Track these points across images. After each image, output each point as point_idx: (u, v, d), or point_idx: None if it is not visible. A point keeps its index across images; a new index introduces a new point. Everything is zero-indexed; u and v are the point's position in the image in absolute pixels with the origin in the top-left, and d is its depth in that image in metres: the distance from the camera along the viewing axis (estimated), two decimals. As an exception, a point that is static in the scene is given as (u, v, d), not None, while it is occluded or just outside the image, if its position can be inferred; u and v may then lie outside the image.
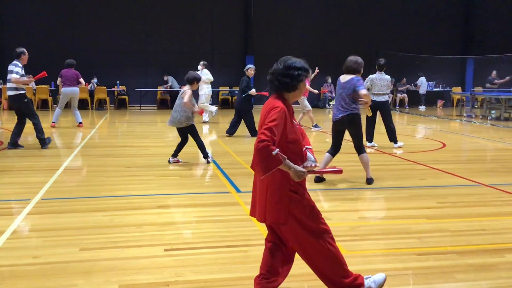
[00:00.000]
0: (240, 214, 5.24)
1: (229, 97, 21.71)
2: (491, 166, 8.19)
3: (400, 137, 10.42)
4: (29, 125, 9.61)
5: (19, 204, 5.48)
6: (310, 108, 13.23)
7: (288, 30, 22.45)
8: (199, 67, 14.68)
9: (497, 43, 23.06)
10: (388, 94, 10.26)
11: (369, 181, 6.64)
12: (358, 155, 6.70)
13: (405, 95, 22.48)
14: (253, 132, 11.51)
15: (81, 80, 13.29)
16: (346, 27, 23.07)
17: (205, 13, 21.65)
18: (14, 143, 9.21)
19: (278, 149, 2.80)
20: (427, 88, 22.62)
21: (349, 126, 6.63)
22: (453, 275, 3.59)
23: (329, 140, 11.35)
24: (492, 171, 7.66)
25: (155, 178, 6.97)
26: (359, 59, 6.87)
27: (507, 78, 19.80)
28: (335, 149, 6.88)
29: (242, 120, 11.68)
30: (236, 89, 20.96)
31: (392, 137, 9.93)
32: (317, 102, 21.59)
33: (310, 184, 6.96)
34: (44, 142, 9.34)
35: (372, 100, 9.31)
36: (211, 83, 15.05)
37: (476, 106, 20.40)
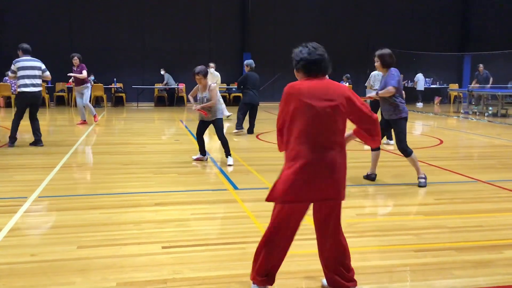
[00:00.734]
0: (237, 211, 5.23)
1: (226, 94, 21.69)
2: (488, 162, 8.20)
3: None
4: (25, 123, 9.59)
5: (16, 202, 5.47)
6: None
7: (285, 27, 22.43)
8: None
9: (494, 40, 23.09)
10: None
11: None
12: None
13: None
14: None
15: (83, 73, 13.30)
16: (343, 24, 23.07)
17: (202, 10, 21.61)
18: (39, 140, 9.35)
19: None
20: (425, 85, 22.64)
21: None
22: (450, 272, 3.59)
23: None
24: (489, 168, 7.68)
25: (153, 176, 6.96)
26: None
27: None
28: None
29: (247, 116, 11.85)
30: (233, 86, 20.97)
31: (390, 134, 9.94)
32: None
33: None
34: (40, 141, 9.34)
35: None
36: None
37: (473, 103, 20.44)
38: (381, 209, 5.53)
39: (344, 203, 5.62)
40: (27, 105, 9.26)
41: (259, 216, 4.97)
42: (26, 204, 5.34)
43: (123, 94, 20.83)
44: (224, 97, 21.57)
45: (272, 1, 22.35)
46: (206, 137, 8.18)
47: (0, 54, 18.80)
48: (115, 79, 20.30)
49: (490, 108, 16.93)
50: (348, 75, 22.00)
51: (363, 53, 23.68)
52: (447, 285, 3.33)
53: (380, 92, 6.32)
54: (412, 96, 22.14)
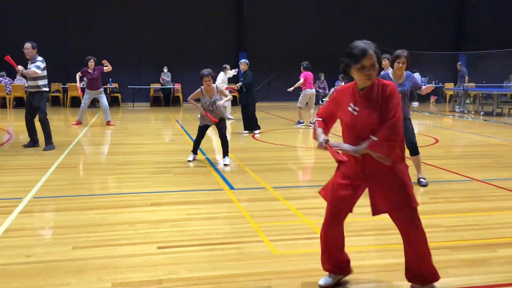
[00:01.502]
0: (233, 211, 5.23)
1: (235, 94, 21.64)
2: (484, 161, 8.22)
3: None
4: (21, 123, 9.55)
5: (11, 202, 5.44)
6: (301, 105, 13.37)
7: (281, 27, 22.44)
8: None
9: (489, 39, 23.15)
10: None
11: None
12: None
13: None
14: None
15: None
16: (339, 24, 23.07)
17: (198, 10, 21.58)
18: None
19: (318, 119, 3.11)
20: (421, 84, 22.64)
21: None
22: (446, 270, 3.59)
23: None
24: (485, 166, 7.69)
25: (148, 176, 6.95)
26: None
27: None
28: None
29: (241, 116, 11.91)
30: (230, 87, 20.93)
31: None
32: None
33: (300, 181, 6.97)
34: (36, 143, 9.29)
35: None
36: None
37: (468, 102, 20.49)
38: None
39: (340, 203, 5.64)
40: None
41: (255, 216, 4.97)
42: (21, 205, 5.31)
43: (119, 94, 20.78)
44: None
45: (268, 0, 22.34)
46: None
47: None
48: (110, 79, 20.24)
49: (482, 112, 16.94)
50: (338, 81, 22.05)
51: (359, 52, 23.72)
52: (443, 284, 3.33)
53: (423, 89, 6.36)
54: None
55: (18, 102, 19.11)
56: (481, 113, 16.88)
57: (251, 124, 11.74)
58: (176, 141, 10.57)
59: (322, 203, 5.50)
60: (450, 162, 7.96)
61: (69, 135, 11.21)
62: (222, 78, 14.30)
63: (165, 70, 20.62)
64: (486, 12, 23.96)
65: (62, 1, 20.22)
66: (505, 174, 7.08)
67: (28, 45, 8.94)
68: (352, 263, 3.45)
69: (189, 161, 7.92)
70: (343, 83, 21.72)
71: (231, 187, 6.24)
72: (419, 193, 5.94)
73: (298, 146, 10.02)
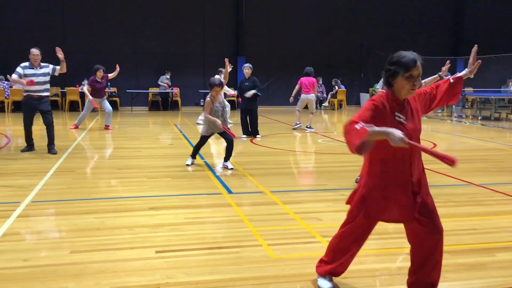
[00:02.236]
0: (231, 215, 5.22)
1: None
2: (482, 165, 8.23)
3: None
4: (20, 128, 9.54)
5: (9, 206, 5.43)
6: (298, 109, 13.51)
7: (279, 31, 22.49)
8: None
9: (486, 43, 23.20)
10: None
11: None
12: None
13: None
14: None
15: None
16: (337, 28, 23.15)
17: (196, 14, 21.63)
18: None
19: (362, 123, 2.80)
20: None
21: None
22: (444, 275, 3.59)
23: (321, 141, 11.41)
24: (483, 171, 7.71)
25: (147, 180, 6.94)
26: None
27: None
28: None
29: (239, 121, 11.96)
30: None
31: None
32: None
33: (298, 185, 6.98)
34: (32, 147, 9.29)
35: None
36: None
37: (466, 107, 20.54)
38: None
39: (338, 207, 5.67)
40: None
41: (253, 220, 4.97)
42: (19, 209, 5.31)
43: (117, 99, 20.78)
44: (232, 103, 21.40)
45: (266, 5, 22.40)
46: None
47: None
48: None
49: (480, 117, 16.99)
50: (336, 79, 22.10)
51: (357, 57, 23.79)
52: (441, 288, 3.34)
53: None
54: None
55: (17, 106, 19.08)
56: (479, 118, 16.91)
57: (256, 128, 11.80)
58: (174, 145, 10.57)
59: (318, 208, 5.53)
60: (448, 167, 7.93)
61: (67, 139, 11.20)
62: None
63: (168, 75, 20.60)
64: (483, 17, 24.05)
65: (60, 5, 20.24)
66: (503, 179, 7.10)
67: (38, 52, 8.96)
68: (350, 267, 3.45)
69: (187, 165, 7.92)
70: (337, 87, 21.79)
71: (230, 191, 6.24)
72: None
73: (296, 151, 10.03)
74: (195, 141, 8.41)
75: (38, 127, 9.49)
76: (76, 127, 13.20)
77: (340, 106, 22.13)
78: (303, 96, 13.34)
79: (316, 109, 16.21)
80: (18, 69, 8.88)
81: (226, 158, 7.80)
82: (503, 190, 6.31)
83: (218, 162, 8.29)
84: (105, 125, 13.28)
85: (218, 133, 7.82)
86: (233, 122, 15.13)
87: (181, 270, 3.70)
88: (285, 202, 5.69)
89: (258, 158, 8.99)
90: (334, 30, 23.11)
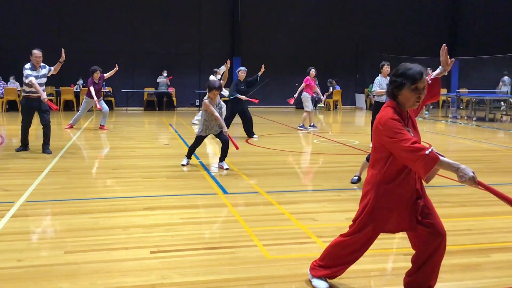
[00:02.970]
0: (227, 215, 5.22)
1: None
2: (476, 166, 8.25)
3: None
4: (16, 127, 9.50)
5: (3, 206, 5.40)
6: (310, 109, 13.51)
7: (275, 32, 22.49)
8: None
9: (482, 45, 23.31)
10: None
11: None
12: None
13: None
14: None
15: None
16: (333, 29, 23.16)
17: (192, 15, 21.60)
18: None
19: (433, 147, 2.79)
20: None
21: None
22: (439, 275, 3.58)
23: (316, 141, 11.42)
24: (477, 172, 7.65)
25: (142, 180, 6.93)
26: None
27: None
28: None
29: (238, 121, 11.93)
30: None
31: None
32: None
33: (293, 185, 6.97)
34: (26, 147, 9.26)
35: (380, 100, 9.54)
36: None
37: (461, 107, 20.60)
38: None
39: (333, 207, 5.68)
40: None
41: (249, 221, 4.96)
42: (13, 209, 5.28)
43: (112, 98, 20.72)
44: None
45: (263, 6, 22.39)
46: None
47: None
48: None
49: (474, 118, 17.05)
50: (331, 79, 22.10)
51: (353, 57, 23.82)
52: (436, 289, 3.34)
53: None
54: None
55: (11, 106, 19.01)
56: (474, 119, 16.97)
57: (252, 128, 11.80)
58: (170, 145, 10.55)
59: (313, 208, 5.53)
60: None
61: (62, 138, 11.16)
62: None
63: (165, 74, 20.53)
64: (478, 18, 24.13)
65: (56, 5, 20.18)
66: (497, 179, 7.12)
67: (40, 53, 8.92)
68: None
69: (182, 165, 7.91)
70: (334, 81, 21.80)
71: (225, 192, 6.24)
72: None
73: (292, 151, 10.03)
74: (190, 141, 8.41)
75: (33, 127, 9.46)
76: (71, 127, 13.16)
77: (335, 106, 22.15)
78: (309, 96, 13.47)
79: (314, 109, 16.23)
80: (30, 72, 8.79)
81: (222, 158, 7.80)
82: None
83: (214, 162, 8.28)
84: (100, 125, 13.24)
85: (214, 134, 7.81)
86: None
87: (176, 270, 3.69)
88: (281, 203, 5.69)
89: (254, 158, 8.99)
90: (330, 31, 23.12)
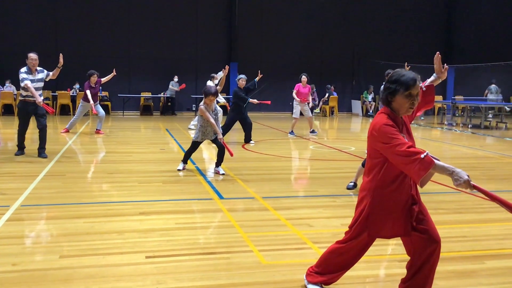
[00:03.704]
0: (222, 220, 5.21)
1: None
2: (471, 173, 8.23)
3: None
4: (12, 131, 9.47)
5: (-2, 210, 5.38)
6: (297, 116, 13.51)
7: (272, 37, 22.55)
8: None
9: (477, 52, 23.44)
10: None
11: None
12: None
13: (373, 102, 22.57)
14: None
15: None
16: (329, 35, 23.26)
17: (189, 20, 21.64)
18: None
19: (426, 152, 2.80)
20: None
21: None
22: (435, 282, 3.59)
23: (313, 147, 11.43)
24: (473, 179, 7.65)
25: (138, 185, 6.91)
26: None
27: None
28: None
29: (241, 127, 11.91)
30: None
31: None
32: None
33: (289, 191, 6.97)
34: (23, 151, 9.24)
35: None
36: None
37: (457, 115, 20.66)
38: (366, 219, 5.54)
39: (329, 213, 5.68)
40: None
41: (244, 226, 4.96)
42: (8, 213, 5.26)
43: (109, 103, 20.72)
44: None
45: (259, 11, 22.47)
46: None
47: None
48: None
49: (470, 125, 17.13)
50: (329, 85, 22.14)
51: (349, 64, 23.90)
52: (431, 295, 3.35)
53: None
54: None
55: (7, 110, 18.97)
56: (469, 126, 17.04)
57: (250, 134, 11.81)
58: (165, 150, 10.55)
59: (309, 214, 5.53)
60: (438, 174, 7.99)
61: (58, 143, 11.13)
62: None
63: (175, 79, 20.51)
64: (473, 26, 24.27)
65: (53, 9, 20.19)
66: (492, 186, 7.14)
67: (36, 56, 8.90)
68: (341, 274, 3.45)
69: (178, 170, 7.90)
70: (332, 87, 21.86)
71: (221, 197, 6.23)
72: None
73: (288, 157, 10.04)
74: (186, 146, 8.41)
75: (29, 131, 9.43)
76: (67, 131, 13.14)
77: (331, 112, 22.20)
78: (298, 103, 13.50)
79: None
80: (26, 76, 8.77)
81: (218, 164, 7.80)
82: (492, 198, 6.34)
83: (210, 168, 8.28)
84: (96, 129, 13.23)
85: (210, 139, 7.81)
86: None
87: (171, 275, 3.69)
88: (276, 208, 5.69)
89: (250, 163, 8.99)
90: (326, 37, 23.21)
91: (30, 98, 8.84)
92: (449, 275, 3.79)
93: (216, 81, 14.19)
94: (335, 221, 5.27)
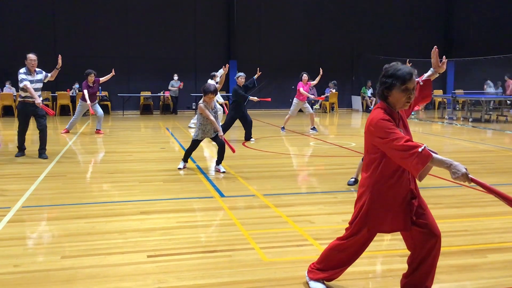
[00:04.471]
0: (224, 218, 5.22)
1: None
2: (472, 167, 8.27)
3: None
4: (12, 132, 9.47)
5: (-1, 212, 5.39)
6: (291, 114, 13.55)
7: (271, 35, 22.51)
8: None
9: (477, 45, 23.39)
10: None
11: None
12: None
13: (373, 97, 22.57)
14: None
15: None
16: (329, 32, 23.21)
17: (187, 18, 21.60)
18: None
19: (423, 145, 2.79)
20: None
21: None
22: (436, 276, 3.59)
23: (313, 143, 11.43)
24: (473, 173, 7.68)
25: (138, 184, 6.91)
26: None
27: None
28: None
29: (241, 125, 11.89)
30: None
31: None
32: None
33: (290, 188, 6.98)
34: (23, 152, 9.24)
35: None
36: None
37: (457, 109, 20.66)
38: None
39: (330, 209, 5.68)
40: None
41: (246, 224, 4.96)
42: (9, 214, 5.27)
43: (108, 103, 20.71)
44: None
45: (258, 8, 22.43)
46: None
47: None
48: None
49: (470, 119, 17.12)
50: (335, 81, 22.08)
51: (349, 60, 23.87)
52: (433, 290, 3.35)
53: None
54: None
55: (6, 111, 18.97)
56: (470, 120, 17.02)
57: (250, 132, 11.80)
58: (166, 149, 10.55)
59: (310, 210, 5.53)
60: (439, 168, 7.98)
61: (58, 143, 11.14)
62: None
63: (175, 77, 20.48)
64: (473, 20, 24.22)
65: (51, 9, 20.15)
66: (493, 180, 7.13)
67: (35, 57, 8.89)
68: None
69: (179, 169, 7.90)
70: (333, 90, 21.83)
71: (222, 195, 6.23)
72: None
73: (288, 154, 10.04)
74: (187, 145, 8.40)
75: (29, 132, 9.44)
76: (67, 131, 13.14)
77: (332, 109, 22.18)
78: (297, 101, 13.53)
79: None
80: (25, 76, 8.77)
81: (218, 162, 7.79)
82: (494, 192, 6.34)
83: (210, 166, 8.28)
84: (96, 129, 13.23)
85: (210, 138, 7.81)
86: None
87: (173, 274, 3.69)
88: (277, 205, 5.69)
89: (250, 161, 8.99)
90: (325, 33, 23.17)
91: (30, 99, 8.84)
92: (451, 269, 3.79)
93: (218, 79, 14.12)
94: (336, 217, 5.26)
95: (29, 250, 4.26)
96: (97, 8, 20.58)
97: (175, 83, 20.49)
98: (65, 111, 19.37)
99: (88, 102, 12.76)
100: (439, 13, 24.72)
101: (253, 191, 6.41)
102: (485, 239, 4.54)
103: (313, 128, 13.69)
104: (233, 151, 7.70)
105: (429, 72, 3.40)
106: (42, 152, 9.02)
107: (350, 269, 3.51)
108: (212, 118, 7.54)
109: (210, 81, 13.93)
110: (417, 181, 3.06)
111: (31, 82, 8.79)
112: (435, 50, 3.40)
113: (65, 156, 9.37)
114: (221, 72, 13.88)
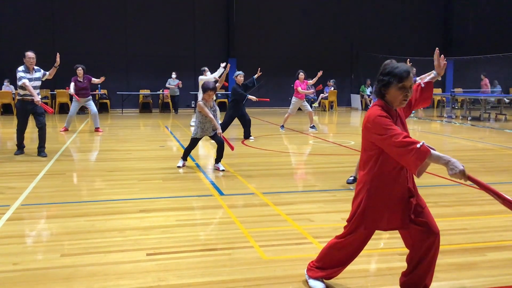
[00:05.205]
0: (223, 217, 5.22)
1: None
2: (471, 166, 8.28)
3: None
4: (11, 130, 9.46)
5: (-2, 210, 5.39)
6: (290, 112, 13.56)
7: (270, 33, 22.52)
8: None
9: (475, 44, 23.40)
10: None
11: None
12: None
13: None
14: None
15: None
16: (327, 30, 23.21)
17: (186, 16, 21.59)
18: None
19: (421, 142, 2.79)
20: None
21: None
22: (435, 274, 3.60)
23: (312, 142, 11.43)
24: (472, 171, 7.75)
25: (138, 182, 6.91)
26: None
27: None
28: None
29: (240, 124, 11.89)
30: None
31: None
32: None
33: (290, 186, 6.98)
34: (22, 150, 9.23)
35: None
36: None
37: (456, 107, 20.67)
38: (366, 213, 5.54)
39: (329, 208, 5.69)
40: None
41: (245, 222, 4.96)
42: (8, 212, 5.26)
43: (108, 101, 20.71)
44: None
45: (257, 6, 22.42)
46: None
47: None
48: (99, 86, 20.17)
49: (469, 118, 17.13)
50: (334, 80, 22.08)
51: (348, 58, 23.86)
52: (432, 288, 3.35)
53: None
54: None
55: (5, 109, 18.96)
56: (469, 118, 17.03)
57: (249, 130, 11.79)
58: (165, 147, 10.54)
59: (309, 209, 5.53)
60: (438, 167, 7.98)
61: (57, 141, 11.13)
62: (208, 79, 14.14)
63: (174, 75, 20.42)
64: (472, 19, 24.22)
65: (50, 7, 20.13)
66: (492, 179, 7.14)
67: (34, 55, 8.88)
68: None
69: (178, 167, 7.90)
70: (332, 88, 21.84)
71: (221, 193, 6.23)
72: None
73: (287, 152, 10.04)
74: (186, 143, 8.40)
75: (28, 130, 9.43)
76: (66, 129, 13.13)
77: (331, 107, 22.19)
78: (296, 100, 13.51)
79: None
80: (23, 74, 8.75)
81: (217, 160, 7.80)
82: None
83: (209, 164, 8.28)
84: (95, 128, 13.22)
85: (209, 136, 7.81)
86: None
87: (172, 272, 3.69)
88: (277, 204, 5.69)
89: (250, 159, 8.99)
90: (324, 32, 23.16)
91: (28, 97, 8.83)
92: (450, 268, 3.80)
93: (208, 73, 14.03)
94: (335, 216, 5.27)
95: (29, 248, 4.26)
96: (96, 6, 20.57)
97: (173, 81, 20.45)
98: (64, 109, 19.34)
99: (72, 91, 12.85)
100: (439, 11, 24.73)
101: (252, 189, 6.41)
102: (484, 238, 4.54)
103: (313, 127, 13.71)
104: (232, 149, 7.71)
105: (432, 75, 3.40)
106: (41, 150, 9.02)
107: (349, 267, 3.51)
108: (211, 115, 7.54)
109: (201, 77, 13.82)
110: (416, 179, 3.07)
111: (30, 80, 8.77)
112: (437, 52, 3.40)
113: (64, 154, 9.36)
114: (221, 70, 13.87)
